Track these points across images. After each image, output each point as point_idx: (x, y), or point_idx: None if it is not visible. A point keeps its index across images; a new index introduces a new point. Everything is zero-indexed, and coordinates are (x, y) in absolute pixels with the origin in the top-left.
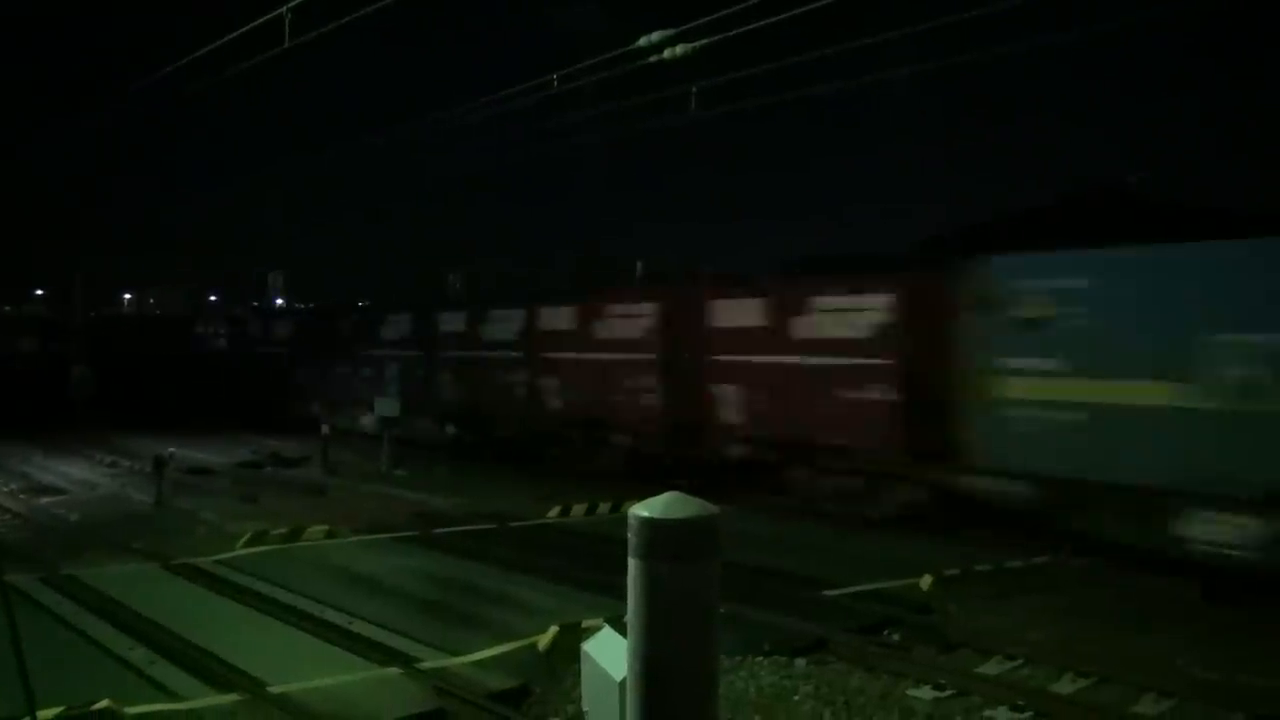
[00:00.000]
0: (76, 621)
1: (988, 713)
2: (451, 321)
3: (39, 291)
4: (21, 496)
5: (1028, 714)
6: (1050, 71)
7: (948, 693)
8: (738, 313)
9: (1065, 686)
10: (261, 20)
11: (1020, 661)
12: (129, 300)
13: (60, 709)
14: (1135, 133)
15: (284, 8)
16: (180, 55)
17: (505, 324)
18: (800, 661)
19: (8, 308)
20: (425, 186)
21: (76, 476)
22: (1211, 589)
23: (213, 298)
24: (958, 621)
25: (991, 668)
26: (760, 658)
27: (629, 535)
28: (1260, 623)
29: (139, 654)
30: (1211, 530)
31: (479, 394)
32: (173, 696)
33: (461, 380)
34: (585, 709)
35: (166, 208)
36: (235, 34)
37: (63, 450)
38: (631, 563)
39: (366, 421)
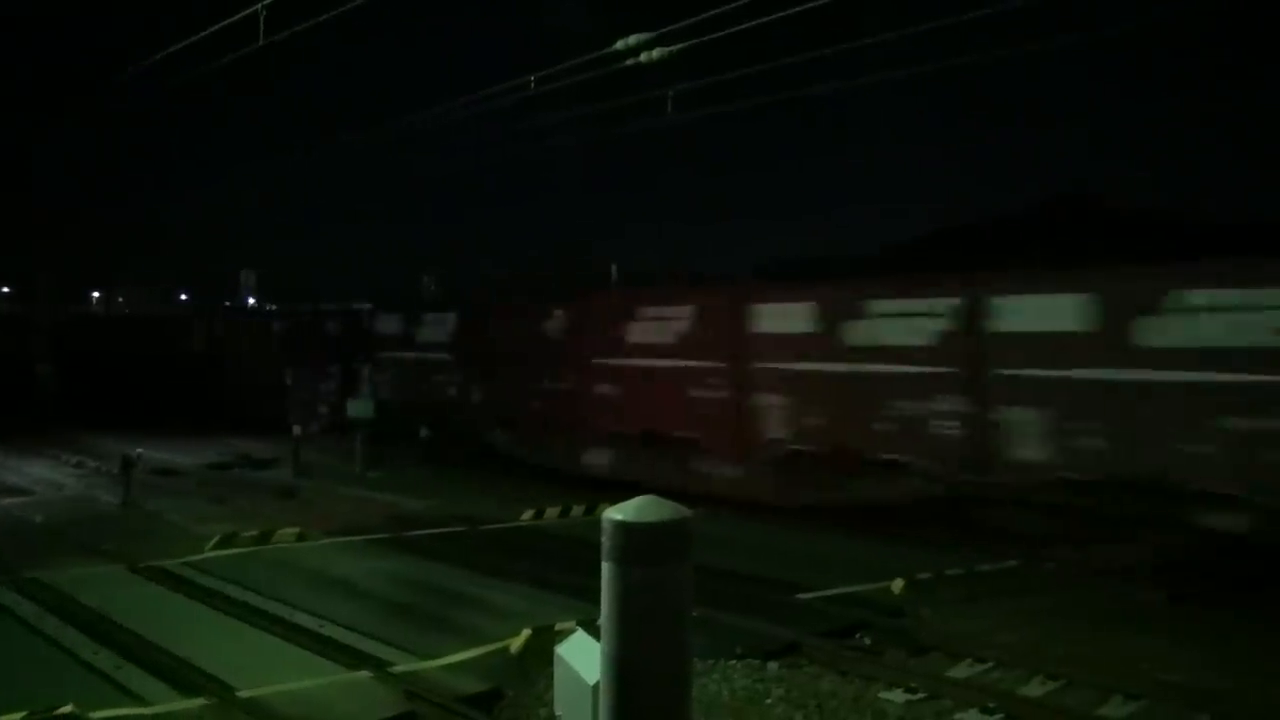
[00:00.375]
0: (40, 624)
1: (958, 715)
2: (781, 318)
3: (5, 289)
4: None
5: (998, 716)
6: (1038, 74)
7: (919, 696)
8: None
9: (1034, 689)
10: (236, 17)
11: (991, 664)
12: (97, 299)
13: (23, 713)
14: (1124, 138)
15: (258, 5)
16: (153, 52)
17: (908, 322)
18: (773, 665)
19: None
20: (401, 187)
21: (42, 477)
22: (1178, 593)
23: (183, 297)
24: (929, 625)
25: (962, 671)
26: (733, 661)
27: (603, 538)
28: (1224, 626)
29: (104, 657)
30: None
31: (849, 425)
32: (138, 701)
33: (808, 404)
34: (558, 712)
35: (138, 205)
36: (209, 30)
37: (28, 450)
38: (605, 566)
39: (597, 459)
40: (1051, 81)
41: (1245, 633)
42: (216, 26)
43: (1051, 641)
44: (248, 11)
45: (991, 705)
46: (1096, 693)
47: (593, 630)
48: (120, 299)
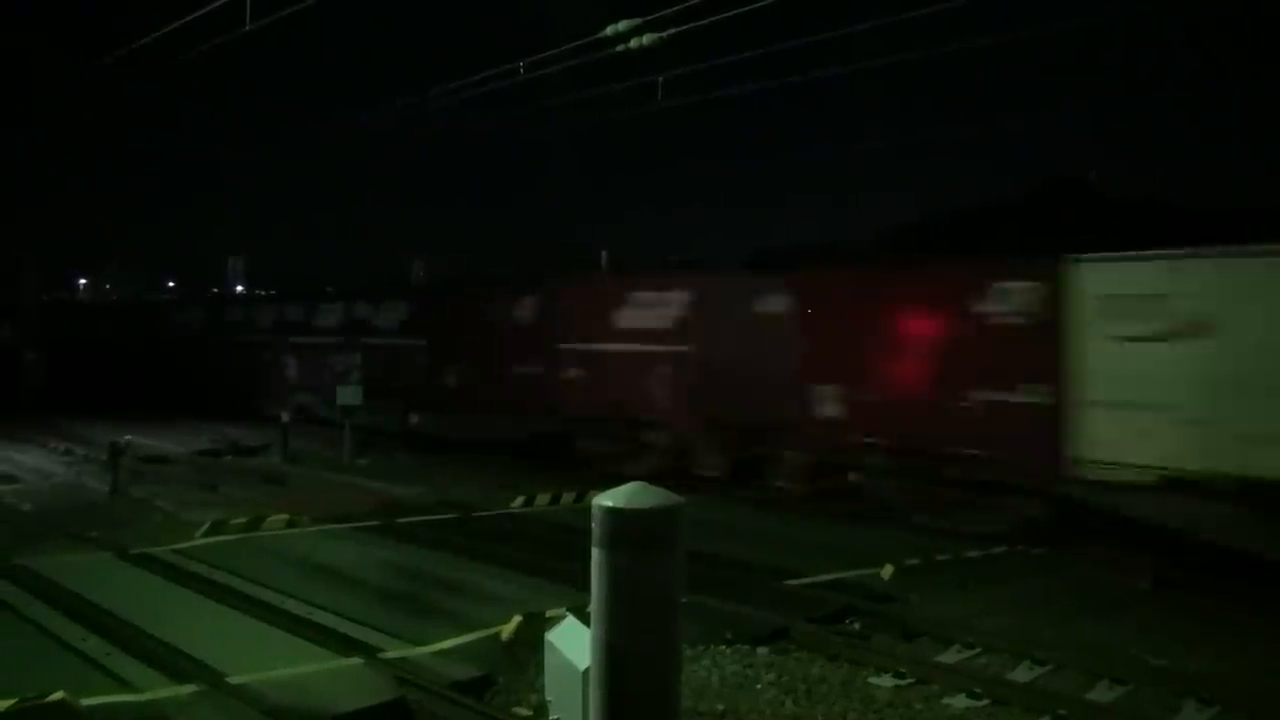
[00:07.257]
0: (29, 612)
1: (946, 700)
2: None
3: None
4: None
5: (985, 701)
6: (1030, 65)
7: (907, 681)
8: None
9: (1022, 674)
10: (222, 0)
11: (978, 650)
12: (84, 285)
13: (12, 701)
14: (1108, 128)
15: None
16: (142, 34)
17: None
18: (762, 650)
19: None
20: (393, 173)
21: (30, 464)
22: (1163, 579)
23: (170, 284)
24: (918, 610)
25: (950, 656)
26: (723, 646)
27: (593, 525)
28: (1208, 611)
29: (94, 644)
30: None
31: None
32: (128, 688)
33: None
34: (549, 698)
35: (127, 192)
36: (197, 14)
37: (16, 438)
38: (595, 552)
39: None
40: (1044, 70)
41: (1229, 618)
42: (204, 9)
43: (1039, 627)
44: None
45: (979, 690)
46: (1083, 677)
47: (583, 616)
48: (107, 285)
